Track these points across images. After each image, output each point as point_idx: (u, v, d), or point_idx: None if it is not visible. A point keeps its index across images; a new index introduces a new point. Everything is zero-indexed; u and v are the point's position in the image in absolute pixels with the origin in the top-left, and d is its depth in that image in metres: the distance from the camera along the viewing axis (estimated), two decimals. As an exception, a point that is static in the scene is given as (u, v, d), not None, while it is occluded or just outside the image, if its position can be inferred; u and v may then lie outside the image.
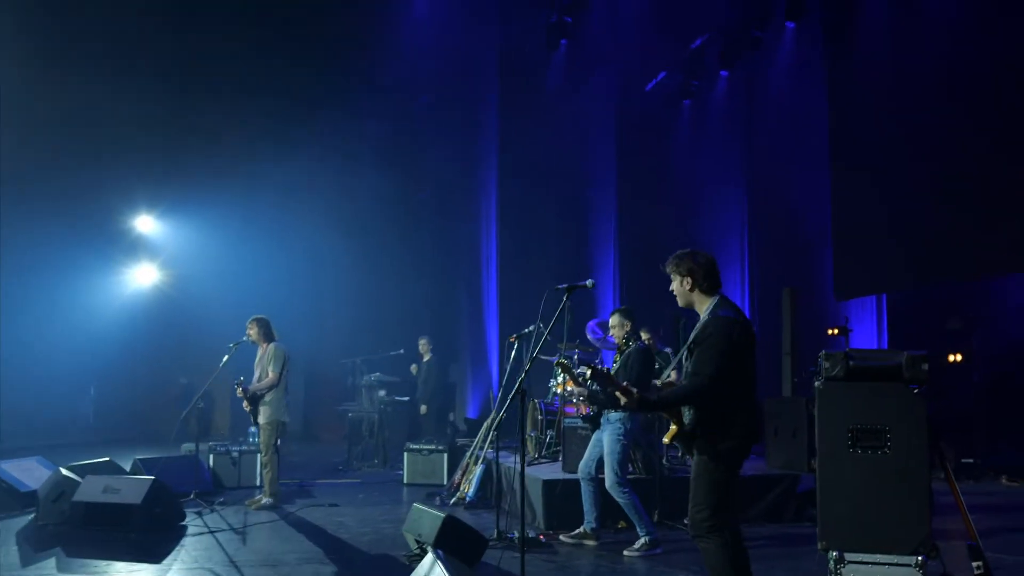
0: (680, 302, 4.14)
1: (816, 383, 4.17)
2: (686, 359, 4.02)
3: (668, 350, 8.78)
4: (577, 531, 6.33)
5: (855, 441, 4.04)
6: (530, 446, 8.72)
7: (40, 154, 13.06)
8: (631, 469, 7.22)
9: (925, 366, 4.03)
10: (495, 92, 15.86)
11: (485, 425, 8.63)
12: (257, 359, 8.05)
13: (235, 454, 9.12)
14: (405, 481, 9.39)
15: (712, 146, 15.41)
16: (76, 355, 14.55)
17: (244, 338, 8.03)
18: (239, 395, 7.75)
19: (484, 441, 8.28)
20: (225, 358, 8.09)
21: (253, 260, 15.42)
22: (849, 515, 4.06)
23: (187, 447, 9.29)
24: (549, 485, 6.85)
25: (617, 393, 3.88)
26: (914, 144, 10.89)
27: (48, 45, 12.36)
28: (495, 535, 6.23)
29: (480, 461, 8.16)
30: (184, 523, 6.88)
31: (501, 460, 8.23)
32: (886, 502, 3.99)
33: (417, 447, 9.46)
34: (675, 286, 4.11)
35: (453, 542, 5.32)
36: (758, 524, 6.97)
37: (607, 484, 6.07)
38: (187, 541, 6.28)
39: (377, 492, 8.99)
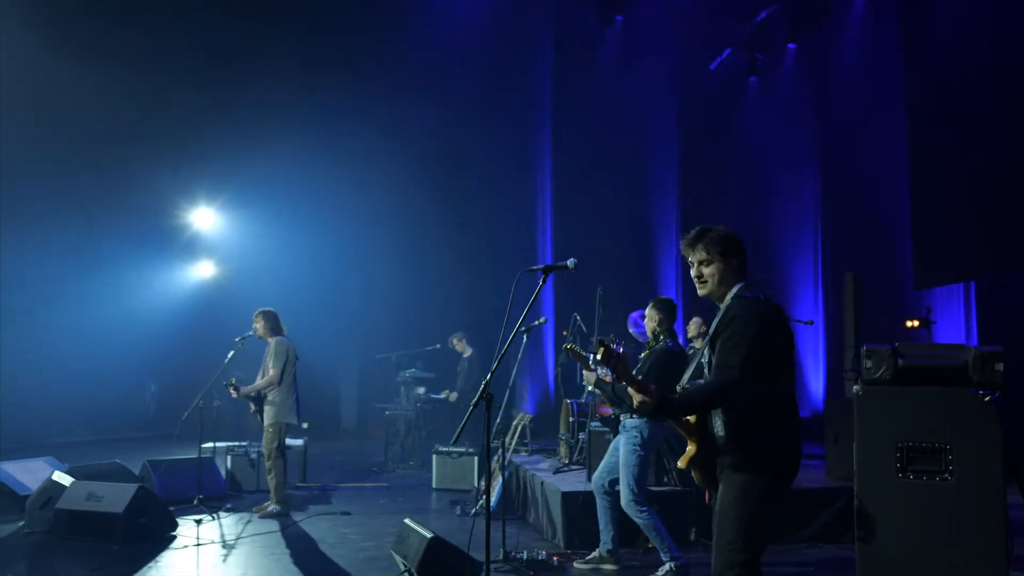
0: (705, 290, 3.33)
1: (855, 387, 3.28)
2: (707, 359, 3.22)
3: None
4: (592, 555, 5.52)
5: (905, 463, 3.14)
6: (562, 450, 7.96)
7: (96, 149, 12.89)
8: (665, 480, 6.41)
9: (999, 366, 3.10)
10: (548, 74, 15.17)
11: (513, 426, 7.92)
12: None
13: (253, 455, 8.59)
14: (434, 485, 8.73)
15: (781, 125, 14.36)
16: (137, 350, 14.36)
17: (250, 332, 7.48)
18: (232, 395, 7.19)
19: (509, 445, 7.56)
20: (231, 354, 7.54)
21: (306, 252, 15.13)
22: (896, 561, 3.16)
23: (206, 447, 8.80)
24: (569, 498, 6.07)
25: (630, 390, 3.00)
26: (1003, 115, 9.66)
27: (101, 40, 12.22)
28: (501, 555, 5.49)
29: (504, 467, 7.42)
30: (175, 533, 6.34)
31: (528, 466, 7.52)
32: (947, 545, 3.08)
33: (446, 449, 8.78)
34: (707, 271, 3.30)
35: (439, 567, 4.63)
36: (812, 545, 6.05)
37: (622, 502, 5.25)
38: (165, 556, 5.72)
39: (401, 498, 8.35)
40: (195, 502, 7.38)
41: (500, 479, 7.34)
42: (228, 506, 7.50)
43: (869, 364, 3.31)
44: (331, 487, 8.92)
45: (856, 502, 3.27)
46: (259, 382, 7.19)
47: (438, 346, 11.01)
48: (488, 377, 3.41)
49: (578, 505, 5.99)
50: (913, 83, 11.56)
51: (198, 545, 6.03)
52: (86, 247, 13.55)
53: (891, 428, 3.20)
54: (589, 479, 6.50)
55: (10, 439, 12.16)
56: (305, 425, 16.37)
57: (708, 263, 3.30)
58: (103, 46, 12.19)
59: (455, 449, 8.75)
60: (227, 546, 6.05)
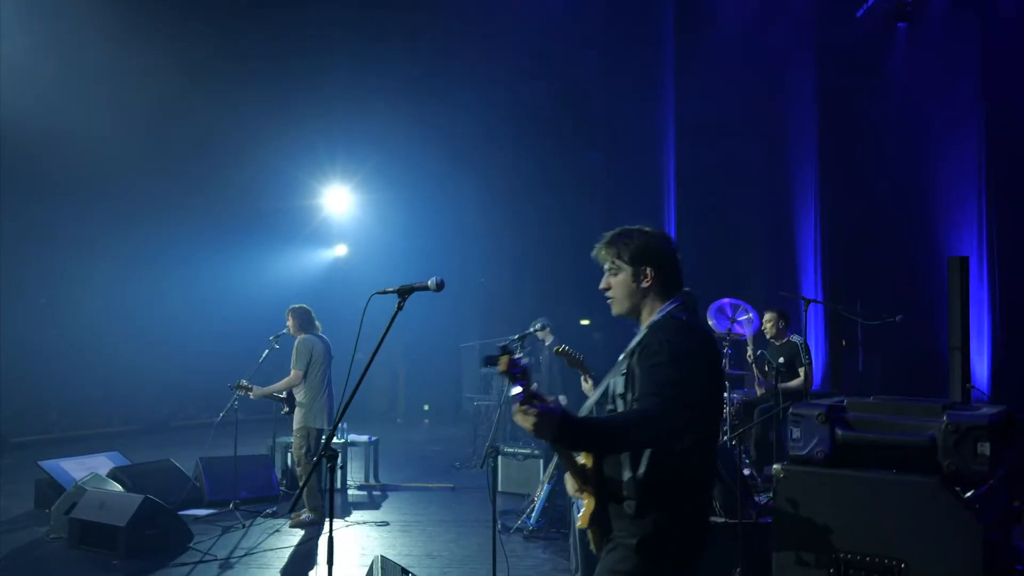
0: (618, 307, 2.58)
1: (775, 468, 2.32)
2: (622, 388, 2.43)
3: (798, 339, 6.73)
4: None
5: (842, 585, 2.16)
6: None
7: (225, 135, 13.10)
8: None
9: (984, 447, 2.05)
10: (670, 35, 14.03)
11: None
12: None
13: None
14: (499, 489, 8.09)
15: (937, 75, 12.45)
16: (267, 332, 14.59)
17: (284, 330, 7.10)
18: (250, 395, 6.81)
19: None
20: (265, 352, 7.18)
21: (432, 233, 14.92)
22: None
23: (269, 444, 8.61)
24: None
25: (519, 409, 2.15)
26: None
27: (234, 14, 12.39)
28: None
29: (550, 478, 6.68)
30: (189, 545, 6.06)
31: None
32: None
33: (512, 450, 8.13)
34: (614, 281, 2.56)
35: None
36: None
37: None
38: (155, 574, 5.43)
39: (457, 504, 7.80)
40: (231, 506, 7.13)
41: (543, 491, 6.64)
42: (269, 511, 7.18)
43: (796, 434, 2.32)
44: (393, 488, 8.49)
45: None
46: (279, 383, 6.82)
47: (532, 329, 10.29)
48: (338, 417, 2.71)
49: (597, 536, 5.13)
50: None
51: (198, 562, 5.70)
52: (216, 230, 13.80)
53: (824, 532, 2.23)
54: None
55: (146, 422, 12.74)
56: (426, 407, 16.35)
57: (616, 271, 2.55)
58: (227, 23, 12.30)
59: (520, 450, 8.09)
60: (227, 565, 5.69)
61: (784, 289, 11.26)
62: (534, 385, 2.16)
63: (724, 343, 6.97)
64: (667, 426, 2.25)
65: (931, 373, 9.98)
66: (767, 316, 6.96)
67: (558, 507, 6.79)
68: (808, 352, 6.68)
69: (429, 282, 2.83)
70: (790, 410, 2.50)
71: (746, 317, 7.33)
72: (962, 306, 5.59)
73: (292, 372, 6.75)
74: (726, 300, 7.88)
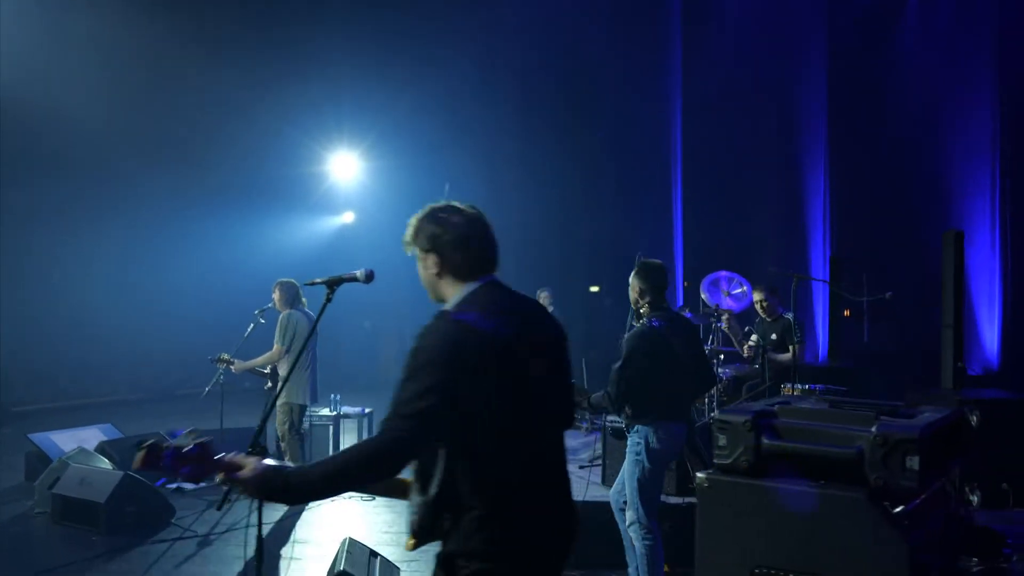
0: (431, 294, 2.36)
1: (699, 476, 2.19)
2: None
3: (790, 315, 6.55)
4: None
5: (759, 599, 2.04)
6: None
7: (224, 100, 12.95)
8: (691, 487, 5.33)
9: (913, 461, 1.92)
10: (677, 8, 13.78)
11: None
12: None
13: (305, 427, 8.23)
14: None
15: (950, 50, 12.10)
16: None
17: (270, 304, 7.03)
18: (232, 369, 6.76)
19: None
20: (251, 327, 7.12)
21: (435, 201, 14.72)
22: None
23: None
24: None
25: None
26: None
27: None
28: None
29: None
30: (173, 520, 6.05)
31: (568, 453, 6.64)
32: None
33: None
34: (421, 274, 2.35)
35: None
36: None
37: (627, 520, 4.25)
38: (134, 551, 5.45)
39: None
40: (216, 481, 7.08)
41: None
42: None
43: (722, 441, 2.19)
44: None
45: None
46: (260, 357, 6.77)
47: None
48: (267, 412, 2.62)
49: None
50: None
51: (178, 539, 5.69)
52: (220, 198, 13.70)
53: (745, 545, 2.11)
54: (604, 481, 5.57)
55: (151, 391, 12.79)
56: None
57: (420, 262, 2.33)
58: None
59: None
60: (206, 542, 5.67)
61: (793, 264, 11.11)
62: (219, 455, 2.02)
63: (713, 317, 6.85)
64: (398, 455, 2.01)
65: (937, 345, 9.87)
66: (756, 295, 6.80)
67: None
68: (800, 330, 6.52)
69: (358, 273, 2.71)
70: (716, 416, 2.38)
71: (740, 291, 7.19)
72: (955, 283, 5.41)
73: (275, 347, 6.70)
74: (723, 273, 7.74)
